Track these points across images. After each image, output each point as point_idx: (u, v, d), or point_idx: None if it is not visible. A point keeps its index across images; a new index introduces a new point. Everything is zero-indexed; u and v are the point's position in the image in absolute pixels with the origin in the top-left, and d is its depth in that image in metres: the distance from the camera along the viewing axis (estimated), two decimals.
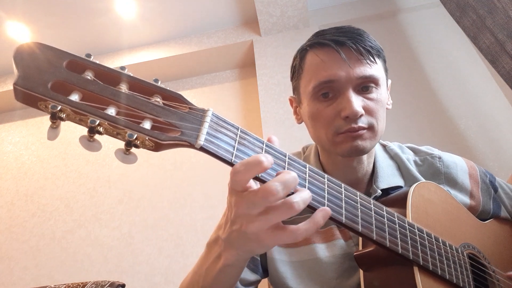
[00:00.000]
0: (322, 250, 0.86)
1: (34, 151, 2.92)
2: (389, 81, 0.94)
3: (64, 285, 1.17)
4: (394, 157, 0.96)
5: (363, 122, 0.80)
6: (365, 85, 0.82)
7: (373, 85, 0.82)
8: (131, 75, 0.47)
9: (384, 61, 0.89)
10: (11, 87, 2.90)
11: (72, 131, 2.93)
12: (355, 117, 0.78)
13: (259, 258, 0.90)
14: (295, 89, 0.94)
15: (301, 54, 0.90)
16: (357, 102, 0.79)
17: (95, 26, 2.71)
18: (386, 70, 0.90)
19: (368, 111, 0.81)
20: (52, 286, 1.19)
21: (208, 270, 0.61)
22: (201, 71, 3.05)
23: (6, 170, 2.87)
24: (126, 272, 2.29)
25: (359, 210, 0.63)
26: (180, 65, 2.95)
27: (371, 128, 0.81)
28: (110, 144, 2.72)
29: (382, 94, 0.85)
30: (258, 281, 0.91)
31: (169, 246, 2.34)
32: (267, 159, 0.48)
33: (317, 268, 0.84)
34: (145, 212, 2.50)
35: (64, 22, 2.62)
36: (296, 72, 0.93)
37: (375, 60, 0.83)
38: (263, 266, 0.91)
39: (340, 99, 0.81)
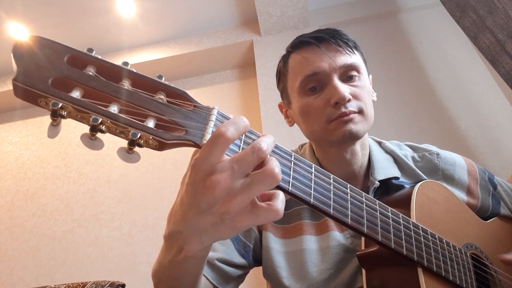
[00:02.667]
0: (316, 241, 0.86)
1: (34, 151, 2.92)
2: (370, 76, 0.99)
3: (64, 285, 1.16)
4: (390, 153, 0.98)
5: (352, 106, 0.83)
6: (348, 75, 0.87)
7: (355, 73, 0.88)
8: (134, 71, 0.46)
9: (362, 54, 0.95)
10: (11, 87, 2.89)
11: (72, 131, 2.92)
12: (344, 101, 0.82)
13: (251, 246, 0.90)
14: (283, 92, 0.98)
15: (284, 58, 0.97)
16: (343, 87, 0.83)
17: (95, 26, 2.70)
18: (365, 63, 0.95)
19: (356, 96, 0.85)
20: (52, 286, 1.18)
21: (171, 262, 0.58)
22: (201, 71, 3.05)
23: (6, 170, 2.87)
24: (126, 272, 2.29)
25: (365, 211, 0.62)
26: (180, 65, 2.95)
27: (361, 111, 0.85)
28: (110, 144, 2.72)
29: (366, 81, 0.90)
30: (245, 267, 0.89)
31: None
32: (243, 119, 0.46)
33: (311, 259, 0.84)
34: (145, 212, 2.49)
35: (64, 22, 2.62)
36: (281, 75, 0.98)
37: (353, 51, 0.89)
38: (256, 255, 0.91)
39: (327, 89, 0.85)
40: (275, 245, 0.88)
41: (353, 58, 0.88)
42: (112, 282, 1.10)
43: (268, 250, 0.87)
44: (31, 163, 2.86)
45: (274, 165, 0.45)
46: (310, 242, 0.86)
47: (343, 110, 0.82)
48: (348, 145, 0.88)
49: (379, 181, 0.87)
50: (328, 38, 0.87)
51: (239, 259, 0.87)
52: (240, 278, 0.90)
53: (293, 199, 0.90)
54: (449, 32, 2.58)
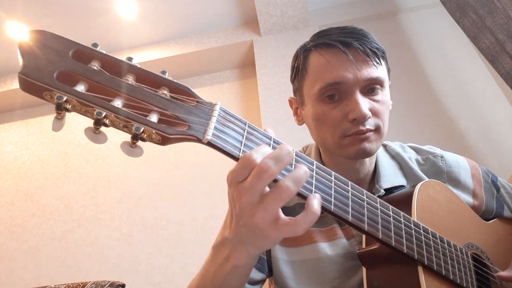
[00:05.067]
0: (324, 249, 0.85)
1: (34, 151, 2.91)
2: (389, 82, 0.94)
3: (64, 285, 1.16)
4: (396, 157, 0.96)
5: (370, 124, 0.79)
6: (371, 87, 0.81)
7: (378, 86, 0.82)
8: (138, 66, 0.47)
9: (387, 63, 0.89)
10: (11, 87, 2.89)
11: (72, 131, 2.92)
12: (363, 119, 0.78)
13: (265, 257, 0.89)
14: (298, 90, 0.92)
15: (304, 54, 0.88)
16: (364, 104, 0.78)
17: (95, 26, 2.71)
18: (389, 71, 0.90)
19: (375, 113, 0.81)
20: (52, 286, 1.19)
21: (216, 272, 0.60)
22: (201, 71, 3.05)
23: (6, 170, 2.87)
24: (126, 272, 2.29)
25: (365, 208, 0.63)
26: (180, 65, 2.95)
27: (377, 130, 0.81)
28: (110, 144, 2.72)
29: (387, 95, 0.85)
30: (264, 280, 0.90)
31: (169, 246, 2.34)
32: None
33: (319, 268, 0.83)
34: (145, 212, 2.49)
35: (64, 22, 2.62)
36: (299, 72, 0.90)
37: (380, 61, 0.83)
38: (269, 265, 0.90)
39: (347, 101, 0.80)
40: (280, 254, 0.87)
41: (379, 70, 0.82)
42: (112, 282, 1.11)
43: (276, 260, 0.87)
44: (31, 163, 2.86)
45: (287, 179, 0.49)
46: (325, 249, 0.85)
47: (361, 128, 0.78)
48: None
49: (384, 189, 0.86)
50: (356, 44, 0.80)
51: (257, 275, 0.87)
52: None
53: (297, 207, 0.90)
54: (449, 32, 2.59)
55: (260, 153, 0.49)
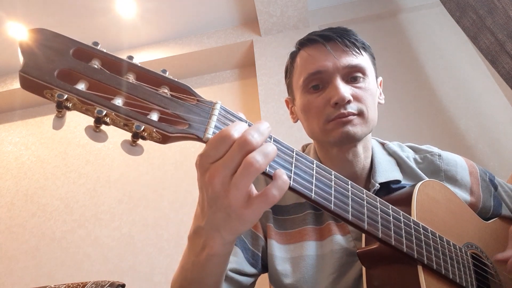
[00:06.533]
0: (318, 247, 0.86)
1: (34, 151, 2.92)
2: (380, 78, 0.98)
3: (64, 285, 1.16)
4: (393, 155, 0.97)
5: (352, 108, 0.83)
6: (352, 76, 0.86)
7: (360, 74, 0.87)
8: (139, 64, 0.47)
9: (372, 57, 0.94)
10: (11, 87, 2.89)
11: (72, 131, 2.92)
12: (343, 102, 0.81)
13: (260, 254, 0.90)
14: (289, 88, 0.99)
15: (292, 54, 0.97)
16: (344, 88, 0.83)
17: (95, 26, 2.71)
18: (374, 65, 0.94)
19: (357, 98, 0.84)
20: (52, 286, 1.18)
21: (195, 263, 0.59)
22: (201, 71, 3.05)
23: (6, 170, 2.87)
24: (126, 272, 2.28)
25: (365, 207, 0.63)
26: (180, 65, 2.95)
27: (361, 114, 0.84)
28: (110, 144, 2.72)
29: (371, 83, 0.88)
30: (256, 275, 0.90)
31: (169, 246, 2.34)
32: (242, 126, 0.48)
33: (315, 264, 0.84)
34: (145, 212, 2.49)
35: (64, 22, 2.62)
36: (288, 71, 0.98)
37: (360, 51, 0.88)
38: (264, 262, 0.91)
39: (329, 89, 0.85)
40: (279, 252, 0.87)
41: (359, 59, 0.87)
42: (112, 282, 1.11)
43: (272, 258, 0.87)
44: (31, 163, 2.86)
45: (254, 153, 0.46)
46: (311, 248, 0.86)
47: (342, 111, 0.81)
48: (348, 147, 0.88)
49: (380, 183, 0.87)
50: (335, 37, 0.87)
51: (249, 269, 0.87)
52: (252, 285, 0.91)
53: (296, 205, 0.91)
54: (449, 32, 2.59)
55: (237, 128, 0.47)
